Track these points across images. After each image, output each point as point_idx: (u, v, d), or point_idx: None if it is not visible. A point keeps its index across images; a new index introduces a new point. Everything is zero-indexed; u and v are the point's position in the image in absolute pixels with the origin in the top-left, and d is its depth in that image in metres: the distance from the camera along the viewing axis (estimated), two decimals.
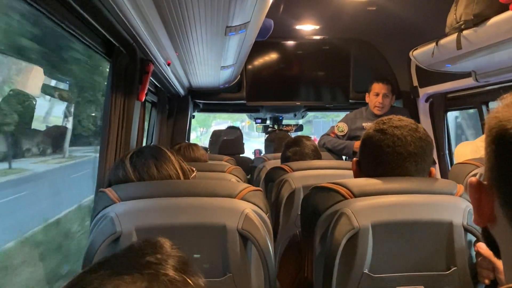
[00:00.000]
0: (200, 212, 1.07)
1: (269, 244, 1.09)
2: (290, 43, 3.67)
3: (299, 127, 4.81)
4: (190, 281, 0.49)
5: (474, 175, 1.59)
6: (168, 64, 2.06)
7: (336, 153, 3.10)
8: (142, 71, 1.69)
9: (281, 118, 4.71)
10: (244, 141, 4.04)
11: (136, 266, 0.47)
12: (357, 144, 2.93)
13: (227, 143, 3.95)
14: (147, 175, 1.16)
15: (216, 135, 4.09)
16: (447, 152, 3.29)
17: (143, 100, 1.74)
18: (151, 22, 1.45)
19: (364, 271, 1.07)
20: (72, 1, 1.09)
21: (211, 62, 2.29)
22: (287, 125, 4.82)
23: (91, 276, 0.46)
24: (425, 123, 3.42)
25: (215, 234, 1.06)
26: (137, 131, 1.78)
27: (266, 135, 4.29)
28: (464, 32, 1.99)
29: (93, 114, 3.85)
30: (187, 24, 1.52)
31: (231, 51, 2.09)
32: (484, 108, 2.84)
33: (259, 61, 3.72)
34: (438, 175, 3.29)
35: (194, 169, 1.35)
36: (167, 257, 0.50)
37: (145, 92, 1.74)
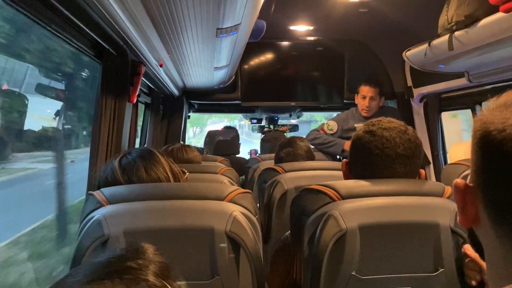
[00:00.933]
0: (188, 215, 1.07)
1: (258, 246, 1.10)
2: (285, 43, 3.67)
3: (294, 127, 4.82)
4: (170, 287, 0.49)
5: (466, 175, 1.60)
6: (161, 66, 2.05)
7: (323, 151, 3.10)
8: (133, 73, 1.69)
9: (276, 118, 4.72)
10: (244, 142, 4.03)
11: (116, 271, 0.48)
12: (348, 143, 2.94)
13: (222, 144, 3.96)
14: (136, 178, 1.16)
15: (211, 135, 4.10)
16: (441, 152, 3.30)
17: (134, 101, 1.74)
18: (141, 24, 1.45)
19: (352, 273, 1.07)
20: (60, 4, 1.08)
21: (204, 63, 2.29)
22: (283, 125, 4.83)
23: (70, 281, 0.47)
24: (420, 124, 3.42)
25: (203, 237, 1.06)
26: (128, 133, 1.78)
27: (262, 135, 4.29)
28: (456, 33, 2.00)
29: None
30: (177, 26, 1.53)
31: (224, 52, 2.10)
32: (477, 108, 2.85)
33: (254, 62, 3.72)
34: (433, 176, 3.30)
35: (186, 171, 1.35)
36: (148, 262, 0.50)
37: (137, 93, 1.74)
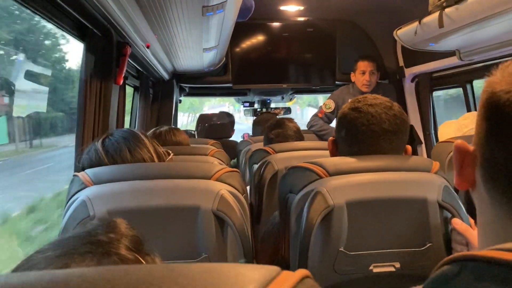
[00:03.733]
0: (174, 194, 1.06)
1: (245, 225, 1.09)
2: (275, 24, 3.63)
3: (287, 110, 4.80)
4: (142, 260, 0.49)
5: None
6: (147, 47, 2.02)
7: (319, 138, 3.12)
8: (119, 54, 1.66)
9: (269, 101, 4.70)
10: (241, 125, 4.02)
11: (87, 245, 0.47)
12: None
13: (214, 127, 3.94)
14: (120, 159, 1.14)
15: (203, 119, 4.07)
16: (433, 131, 3.30)
17: (121, 83, 1.71)
18: (126, 3, 1.42)
19: (340, 249, 1.07)
20: None
21: (192, 44, 2.26)
22: (275, 108, 4.81)
23: (40, 256, 0.46)
24: (411, 103, 3.42)
25: (189, 216, 1.05)
26: (116, 116, 1.75)
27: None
28: (446, 10, 1.98)
29: None
30: (162, 5, 1.49)
31: (212, 32, 2.06)
32: (468, 86, 2.85)
33: (244, 43, 3.68)
34: (424, 155, 3.31)
35: (171, 152, 1.34)
36: (120, 236, 0.49)
37: (123, 75, 1.71)
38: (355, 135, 1.15)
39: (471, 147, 0.51)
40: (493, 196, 0.47)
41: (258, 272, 0.36)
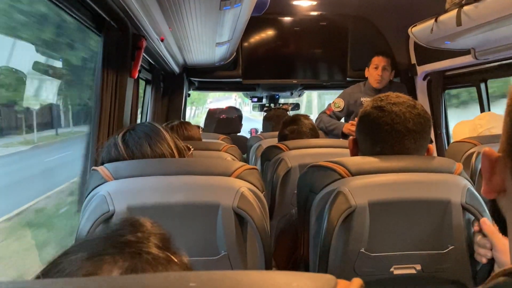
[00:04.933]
0: (194, 191, 1.05)
1: (265, 222, 1.08)
2: (287, 19, 3.59)
3: (296, 106, 4.78)
4: (174, 258, 0.47)
5: (471, 153, 1.58)
6: (162, 40, 2.00)
7: (329, 133, 3.10)
8: (135, 47, 1.65)
9: (277, 96, 4.67)
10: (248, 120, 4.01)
11: (116, 245, 0.45)
12: (346, 126, 2.93)
13: (223, 122, 3.92)
14: (140, 154, 1.13)
15: (211, 113, 4.06)
16: (444, 131, 3.27)
17: (136, 77, 1.70)
18: None
19: (361, 250, 1.06)
20: None
21: (205, 38, 2.24)
22: (285, 104, 4.78)
23: (69, 259, 0.44)
24: (423, 102, 3.39)
25: (209, 213, 1.04)
26: (130, 109, 1.74)
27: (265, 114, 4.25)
28: (465, 8, 1.95)
29: None
30: None
31: (226, 26, 2.04)
32: (482, 86, 2.81)
33: (255, 38, 3.65)
34: (435, 154, 3.28)
35: (191, 147, 1.32)
36: (148, 235, 0.48)
37: (138, 68, 1.70)
38: (378, 134, 1.13)
39: (498, 154, 0.49)
40: None
41: (314, 283, 0.35)
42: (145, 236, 0.47)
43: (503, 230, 0.52)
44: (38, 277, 0.44)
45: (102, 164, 1.13)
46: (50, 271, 0.44)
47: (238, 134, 4.02)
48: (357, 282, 0.36)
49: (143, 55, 2.19)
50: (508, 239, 0.52)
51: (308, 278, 0.35)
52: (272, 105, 4.65)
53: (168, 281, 0.32)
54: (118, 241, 0.46)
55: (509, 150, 0.48)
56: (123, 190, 1.02)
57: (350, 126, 2.87)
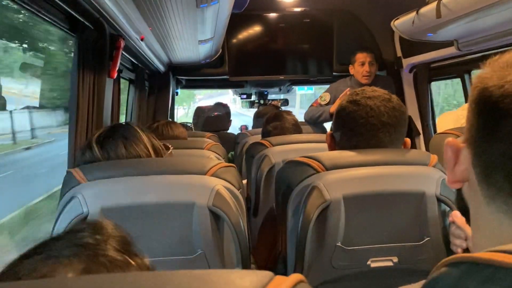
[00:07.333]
0: (168, 190, 1.04)
1: (241, 220, 1.08)
2: (272, 15, 3.59)
3: (285, 101, 4.78)
4: (132, 261, 0.47)
5: None
6: (142, 39, 1.99)
7: (318, 123, 3.10)
8: (112, 47, 1.63)
9: (266, 93, 4.67)
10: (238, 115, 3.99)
11: (73, 248, 0.45)
12: (333, 107, 2.91)
13: (211, 120, 3.91)
14: (115, 155, 1.12)
15: (199, 111, 4.05)
16: (431, 122, 3.28)
17: (115, 77, 1.68)
18: None
19: (337, 244, 1.06)
20: None
21: (187, 36, 2.23)
22: (274, 100, 4.78)
23: (25, 261, 0.44)
24: (409, 94, 3.40)
25: (185, 212, 1.04)
26: (111, 110, 1.73)
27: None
28: (444, 0, 1.96)
29: None
30: None
31: (207, 24, 2.03)
32: (466, 77, 2.83)
33: (241, 35, 3.64)
34: (422, 146, 3.29)
35: (170, 146, 1.31)
36: (107, 237, 0.47)
37: (117, 68, 1.68)
38: (354, 128, 1.14)
39: (462, 144, 0.50)
40: (488, 193, 0.46)
41: (249, 279, 0.35)
42: (103, 239, 0.47)
43: (468, 219, 0.52)
44: None
45: (78, 166, 1.12)
46: (5, 274, 0.44)
47: (227, 131, 4.01)
48: (294, 277, 0.36)
49: (124, 55, 2.18)
50: (471, 227, 0.52)
51: (243, 276, 0.35)
52: (261, 101, 4.65)
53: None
54: (76, 243, 0.46)
55: (470, 138, 0.48)
56: (96, 192, 1.02)
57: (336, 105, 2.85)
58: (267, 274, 0.36)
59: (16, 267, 0.44)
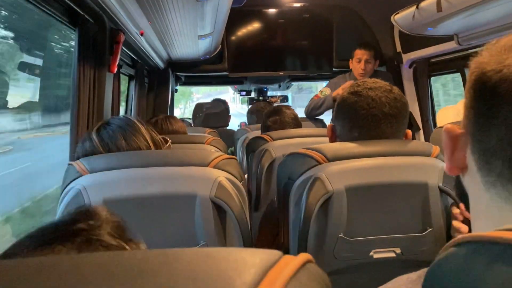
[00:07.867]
0: (171, 182, 1.04)
1: (244, 211, 1.08)
2: (271, 11, 3.58)
3: (284, 98, 4.77)
4: (127, 246, 0.47)
5: None
6: (142, 34, 1.98)
7: (320, 113, 3.08)
8: (112, 41, 1.63)
9: (265, 89, 4.66)
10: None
11: (67, 234, 0.45)
12: (335, 92, 2.90)
13: (211, 116, 3.91)
14: (115, 147, 1.12)
15: (199, 107, 4.04)
16: (430, 117, 3.28)
17: (115, 71, 1.68)
18: None
19: (340, 235, 1.06)
20: None
21: (187, 31, 2.22)
22: (272, 97, 4.78)
23: (19, 249, 0.44)
24: (409, 89, 3.40)
25: (187, 204, 1.04)
26: (111, 105, 1.72)
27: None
28: None
29: None
30: None
31: (207, 19, 2.03)
32: (466, 71, 2.82)
33: (240, 31, 3.63)
34: (423, 141, 3.29)
35: (168, 139, 1.31)
36: (101, 223, 0.47)
37: (117, 63, 1.68)
38: (355, 119, 1.14)
39: (460, 131, 0.49)
40: (487, 179, 0.45)
41: (258, 256, 0.34)
42: (97, 224, 0.47)
43: (468, 206, 0.52)
44: None
45: (78, 158, 1.12)
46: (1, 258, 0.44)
47: (227, 127, 4.01)
48: (302, 257, 0.36)
49: (124, 50, 2.17)
50: (470, 214, 0.52)
51: (254, 253, 0.35)
52: (260, 97, 4.65)
53: (102, 259, 0.32)
54: (70, 229, 0.45)
55: (468, 125, 0.47)
56: (98, 183, 1.02)
57: (339, 91, 2.84)
58: (276, 252, 0.35)
59: (9, 255, 0.44)
